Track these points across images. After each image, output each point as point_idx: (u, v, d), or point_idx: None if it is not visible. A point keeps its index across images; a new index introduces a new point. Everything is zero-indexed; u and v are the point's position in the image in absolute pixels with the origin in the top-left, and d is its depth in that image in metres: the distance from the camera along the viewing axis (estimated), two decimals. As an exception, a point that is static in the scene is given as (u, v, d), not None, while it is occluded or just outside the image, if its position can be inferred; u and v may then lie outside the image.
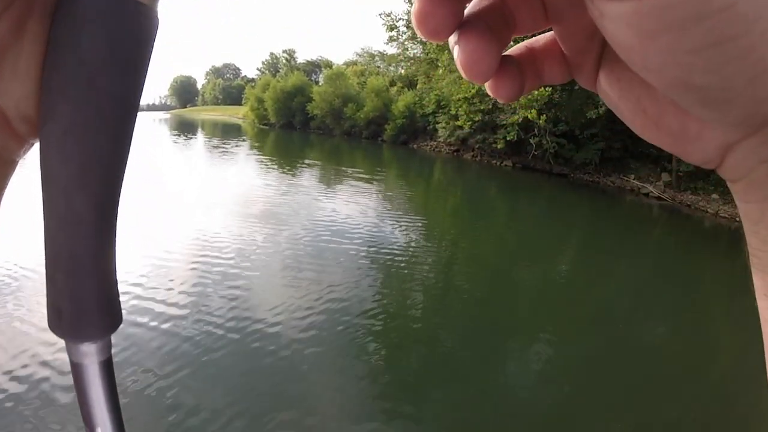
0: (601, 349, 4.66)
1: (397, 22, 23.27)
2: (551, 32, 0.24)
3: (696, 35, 0.15)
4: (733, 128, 0.20)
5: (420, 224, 9.18)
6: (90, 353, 0.23)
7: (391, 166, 19.43)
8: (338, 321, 4.53)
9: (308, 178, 13.66)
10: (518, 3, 0.23)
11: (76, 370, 0.24)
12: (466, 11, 0.23)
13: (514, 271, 7.10)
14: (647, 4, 0.15)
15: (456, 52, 0.22)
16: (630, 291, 6.67)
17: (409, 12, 23.00)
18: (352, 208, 9.58)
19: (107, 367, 0.24)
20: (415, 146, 25.75)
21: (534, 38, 0.25)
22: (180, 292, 4.86)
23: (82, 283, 0.22)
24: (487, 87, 0.25)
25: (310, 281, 5.38)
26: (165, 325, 4.20)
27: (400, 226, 8.63)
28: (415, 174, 17.78)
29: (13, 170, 0.22)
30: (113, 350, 0.24)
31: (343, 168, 16.88)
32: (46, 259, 0.22)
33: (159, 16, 0.21)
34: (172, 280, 5.11)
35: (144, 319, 4.27)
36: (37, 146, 0.21)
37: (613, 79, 0.23)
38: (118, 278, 0.24)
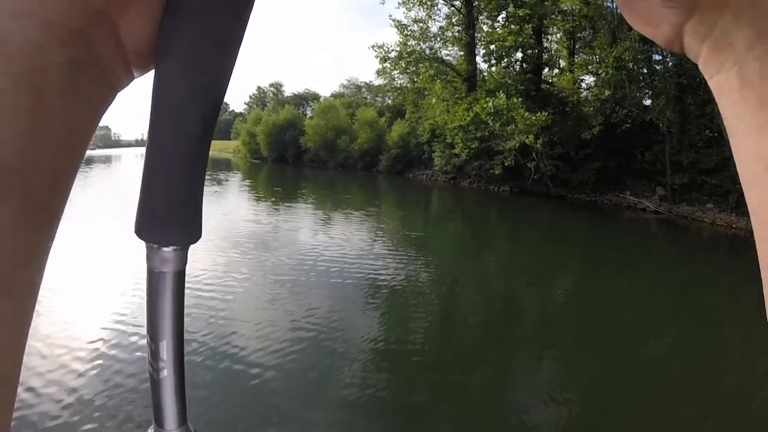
0: (609, 364, 4.75)
1: (390, 53, 23.79)
2: None
3: None
4: (676, 10, 0.25)
5: (420, 251, 9.33)
6: (170, 260, 0.26)
7: (388, 196, 19.63)
8: (342, 348, 4.61)
9: (306, 211, 13.71)
10: None
11: (154, 278, 0.26)
12: None
13: (519, 294, 7.25)
14: None
15: None
16: (634, 305, 6.81)
17: (400, 43, 23.60)
18: (351, 239, 9.73)
19: (181, 279, 0.27)
20: (411, 176, 26.01)
21: None
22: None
23: (179, 188, 0.25)
24: None
25: (310, 310, 5.46)
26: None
27: (401, 254, 8.77)
28: (413, 203, 17.96)
29: (113, 98, 0.26)
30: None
31: (340, 199, 17.04)
32: (145, 168, 0.25)
33: None
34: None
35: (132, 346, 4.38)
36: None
37: None
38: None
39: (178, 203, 0.25)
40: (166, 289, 0.26)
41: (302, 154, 34.62)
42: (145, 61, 0.26)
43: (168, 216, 0.25)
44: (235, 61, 0.27)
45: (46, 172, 0.21)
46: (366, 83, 47.00)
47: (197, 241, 0.27)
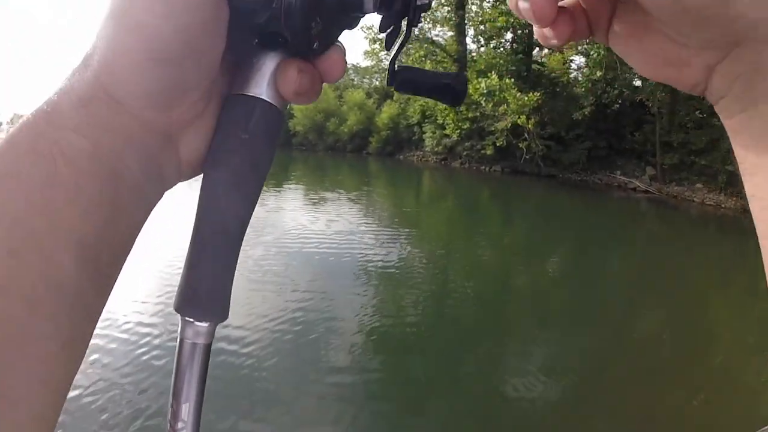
0: (601, 342, 4.78)
1: (379, 34, 23.51)
2: None
3: None
4: (712, 50, 0.27)
5: (412, 232, 9.31)
6: (203, 334, 0.30)
7: (379, 178, 19.55)
8: (335, 332, 4.58)
9: (295, 195, 13.53)
10: None
11: (186, 348, 0.30)
12: None
13: (511, 273, 7.28)
14: None
15: (526, 5, 0.31)
16: (625, 284, 6.90)
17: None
18: (342, 221, 9.66)
19: (208, 352, 0.31)
20: (401, 157, 25.94)
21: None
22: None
23: (217, 276, 0.30)
24: (547, 32, 0.33)
25: (303, 295, 5.41)
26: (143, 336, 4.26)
27: (393, 235, 8.74)
28: (404, 184, 17.93)
29: (163, 195, 0.32)
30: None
31: (330, 182, 16.93)
32: (191, 252, 0.30)
33: (284, 116, 0.33)
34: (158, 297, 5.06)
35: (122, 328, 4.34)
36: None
37: (624, 31, 0.31)
38: None
39: (215, 288, 0.30)
40: (195, 358, 0.30)
41: (291, 137, 34.26)
42: (194, 170, 0.32)
43: (206, 298, 0.30)
44: (267, 173, 0.33)
45: (112, 250, 0.27)
46: (353, 65, 46.52)
47: (226, 320, 0.31)
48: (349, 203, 12.19)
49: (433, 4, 0.35)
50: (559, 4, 0.33)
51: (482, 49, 21.86)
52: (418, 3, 0.34)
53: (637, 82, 17.41)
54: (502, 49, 21.11)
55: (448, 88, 0.36)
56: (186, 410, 0.30)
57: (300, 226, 8.84)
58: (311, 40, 0.30)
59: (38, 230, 0.23)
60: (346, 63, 0.34)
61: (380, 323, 4.90)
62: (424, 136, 23.43)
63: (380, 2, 0.32)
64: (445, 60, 22.79)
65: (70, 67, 0.27)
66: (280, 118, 0.33)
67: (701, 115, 15.49)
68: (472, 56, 22.14)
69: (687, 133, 15.27)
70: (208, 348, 0.30)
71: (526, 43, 20.87)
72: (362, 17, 0.35)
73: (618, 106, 17.02)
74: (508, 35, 21.13)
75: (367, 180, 18.10)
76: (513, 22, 19.02)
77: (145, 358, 3.95)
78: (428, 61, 22.57)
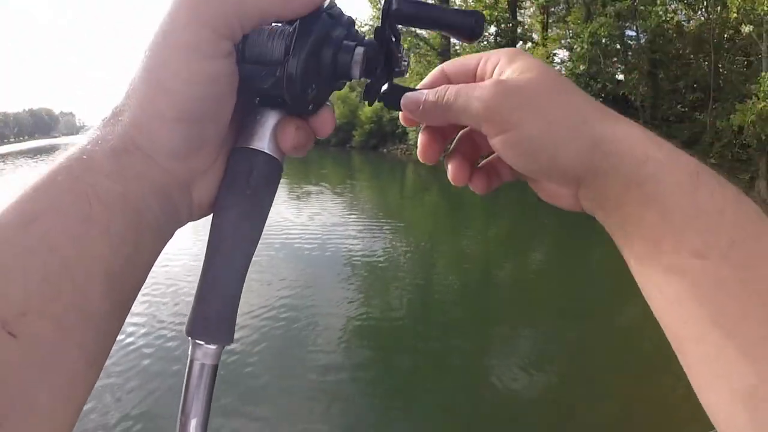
0: (585, 333, 4.78)
1: (363, 27, 23.38)
2: None
3: (520, 147, 0.35)
4: (568, 186, 0.37)
5: (397, 225, 9.28)
6: (211, 355, 0.33)
7: (363, 171, 19.56)
8: (322, 325, 4.55)
9: (279, 189, 13.44)
10: (481, 138, 0.40)
11: (196, 368, 0.33)
12: (454, 143, 0.44)
13: (494, 266, 7.29)
14: (500, 140, 0.35)
15: (448, 169, 0.43)
16: (609, 274, 6.82)
17: (373, 17, 23.21)
18: (325, 215, 9.61)
19: (215, 372, 0.34)
20: (385, 150, 25.90)
21: (493, 156, 0.44)
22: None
23: (226, 304, 0.34)
24: (470, 186, 0.44)
25: (289, 291, 5.35)
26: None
27: (377, 230, 8.69)
28: (388, 177, 17.98)
29: (174, 234, 0.36)
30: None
31: (314, 176, 16.70)
32: (202, 283, 0.34)
33: (283, 166, 0.37)
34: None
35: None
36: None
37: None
38: None
39: (223, 315, 0.33)
40: (203, 378, 0.33)
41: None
42: (204, 211, 0.37)
43: (215, 324, 0.33)
44: (268, 213, 0.37)
45: (132, 281, 0.30)
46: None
47: (231, 343, 0.34)
48: (333, 196, 12.11)
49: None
50: (488, 159, 0.45)
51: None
52: (396, 70, 0.41)
53: (620, 76, 17.54)
54: (485, 42, 21.06)
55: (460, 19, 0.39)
56: (194, 425, 0.32)
57: (284, 219, 8.72)
58: (307, 103, 0.35)
59: (72, 261, 0.26)
60: (335, 120, 0.39)
61: (364, 312, 4.85)
62: (407, 129, 23.29)
63: (365, 70, 0.36)
64: (429, 53, 22.72)
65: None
66: (280, 168, 0.37)
67: (683, 109, 15.67)
68: (456, 50, 22.08)
69: (669, 126, 15.40)
70: (215, 369, 0.33)
71: (509, 36, 20.92)
72: (349, 81, 0.39)
73: (601, 99, 16.89)
74: (492, 29, 21.15)
75: (351, 173, 18.03)
76: (497, 16, 19.01)
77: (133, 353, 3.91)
78: (412, 55, 22.47)
